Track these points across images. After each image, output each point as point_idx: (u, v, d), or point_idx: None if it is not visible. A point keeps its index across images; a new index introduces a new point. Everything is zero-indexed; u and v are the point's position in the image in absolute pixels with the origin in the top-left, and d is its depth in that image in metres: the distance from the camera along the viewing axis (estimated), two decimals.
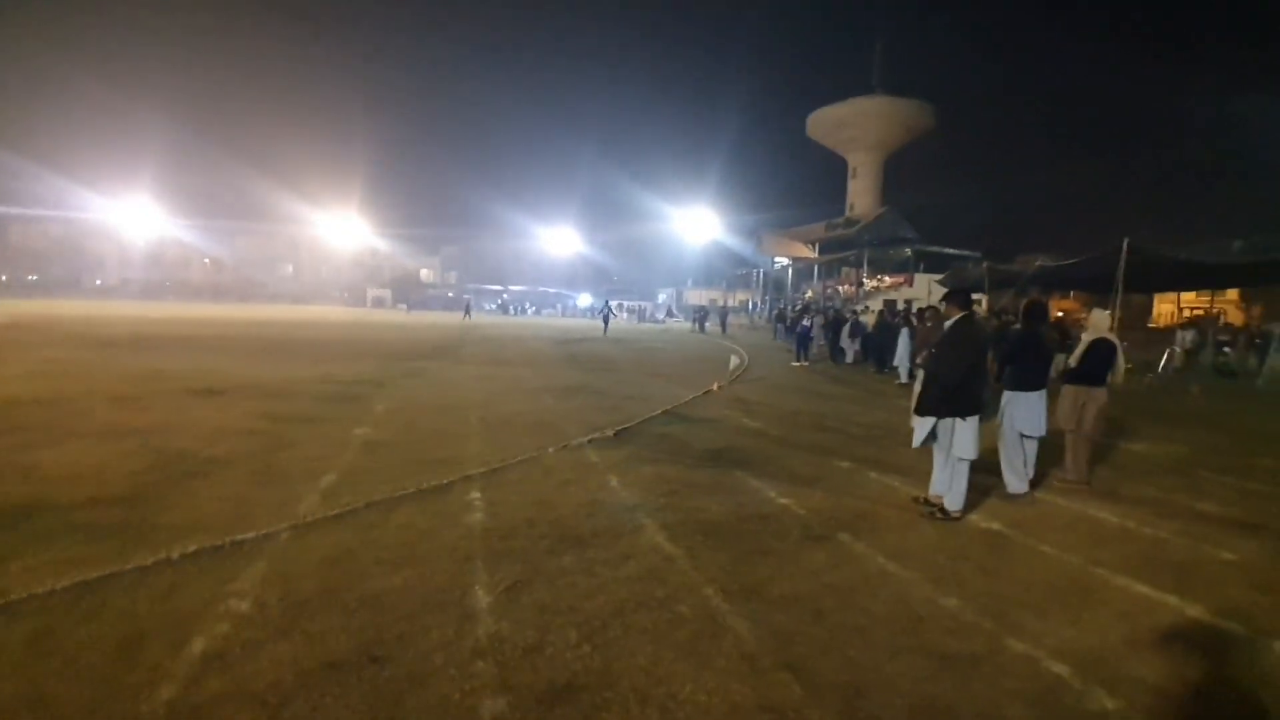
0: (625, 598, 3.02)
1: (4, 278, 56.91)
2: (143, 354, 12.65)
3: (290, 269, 77.32)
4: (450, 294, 68.31)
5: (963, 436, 4.35)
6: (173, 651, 2.42)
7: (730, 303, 51.27)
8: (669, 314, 53.34)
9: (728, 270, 60.46)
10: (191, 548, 3.34)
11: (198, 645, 2.47)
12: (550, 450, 5.88)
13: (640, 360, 16.18)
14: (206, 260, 75.20)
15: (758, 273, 57.96)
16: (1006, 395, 5.11)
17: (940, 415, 4.46)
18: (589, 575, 3.25)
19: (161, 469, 4.81)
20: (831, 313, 22.77)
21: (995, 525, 4.39)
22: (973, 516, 4.54)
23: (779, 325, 30.32)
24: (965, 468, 4.45)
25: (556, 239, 71.77)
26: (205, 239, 71.64)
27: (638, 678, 2.38)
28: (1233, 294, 34.55)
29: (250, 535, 3.55)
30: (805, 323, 18.41)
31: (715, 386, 10.91)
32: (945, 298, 4.94)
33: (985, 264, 22.21)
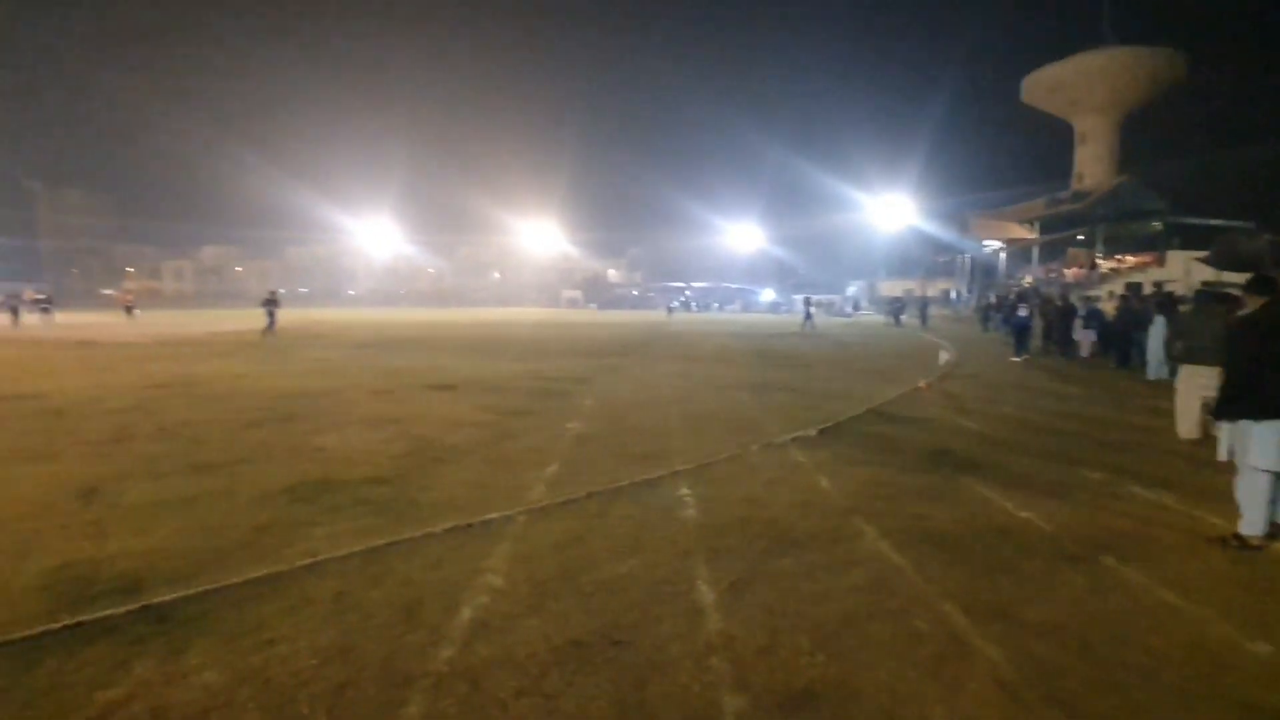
0: (854, 607, 2.87)
1: (284, 291, 70.70)
2: (388, 354, 14.83)
3: (497, 275, 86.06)
4: (636, 292, 71.18)
5: (1259, 442, 3.60)
6: (446, 617, 2.76)
7: (929, 292, 47.13)
8: (855, 307, 50.33)
9: (926, 258, 55.62)
10: (449, 524, 3.80)
11: (465, 613, 2.79)
12: (754, 448, 5.83)
13: (835, 356, 15.49)
14: (431, 270, 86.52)
15: (962, 259, 52.58)
16: None
17: (1233, 417, 3.78)
18: (811, 580, 3.14)
19: (415, 454, 5.56)
20: (1060, 300, 19.76)
21: None
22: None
23: (989, 316, 27.18)
24: (1265, 481, 3.63)
25: (740, 234, 71.57)
26: (431, 252, 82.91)
27: (882, 695, 2.24)
28: None
29: (494, 516, 3.96)
30: (1022, 312, 16.13)
31: (923, 384, 10.08)
32: (1248, 284, 4.05)
33: (1266, 236, 17.92)
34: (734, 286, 66.98)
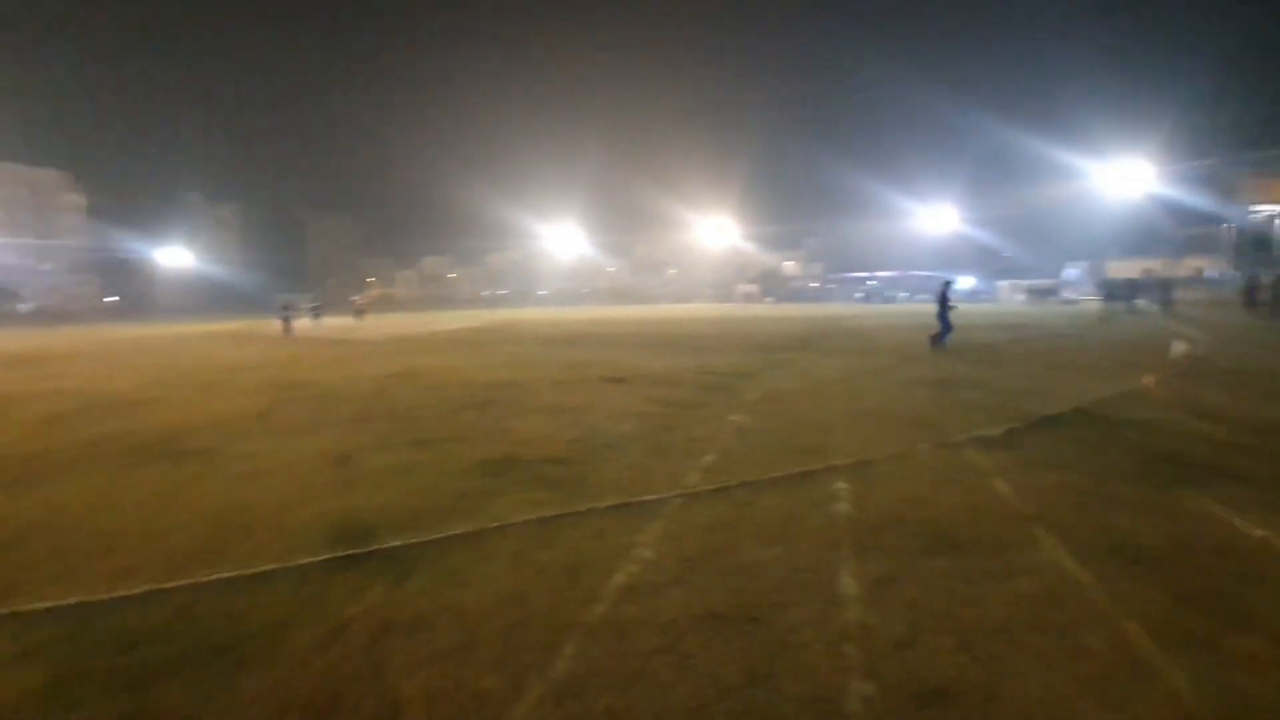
0: (1011, 615, 2.70)
1: (485, 293, 79.00)
2: (568, 349, 16.08)
3: (673, 271, 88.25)
4: (814, 285, 68.79)
5: None
6: (603, 580, 3.09)
7: (1177, 272, 39.63)
8: (1053, 291, 43.69)
9: (1174, 231, 46.81)
10: (612, 502, 4.17)
11: (619, 578, 3.10)
12: (924, 447, 5.53)
13: (1039, 350, 13.80)
14: (610, 269, 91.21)
15: (1227, 229, 43.45)
16: None
17: None
18: (967, 583, 3.00)
19: (587, 440, 6.08)
20: None
21: None
22: None
23: (1256, 298, 22.30)
24: None
25: (932, 216, 65.90)
26: (610, 252, 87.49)
27: (1028, 703, 2.13)
28: None
29: (651, 498, 4.26)
30: None
31: (1149, 381, 8.69)
32: None
33: None
34: (924, 274, 61.81)
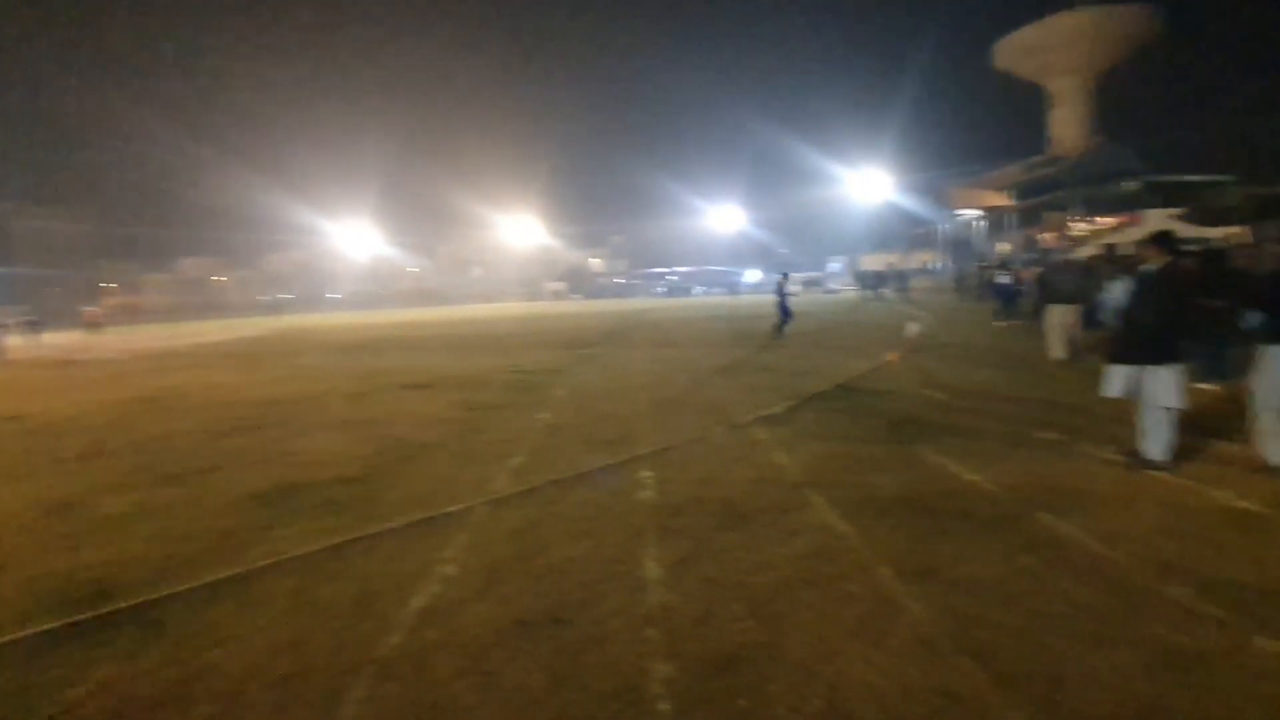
0: (791, 574, 2.99)
1: (265, 298, 69.89)
2: (366, 356, 14.83)
3: (479, 271, 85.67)
4: (620, 281, 71.12)
5: (1163, 385, 4.18)
6: (397, 606, 2.86)
7: (910, 265, 47.48)
8: (819, 283, 50.77)
9: (906, 231, 56.06)
10: (410, 520, 3.89)
11: (417, 601, 2.89)
12: (717, 429, 5.95)
13: (809, 334, 15.62)
14: (412, 270, 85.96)
15: (940, 230, 52.97)
16: (1269, 350, 4.20)
17: (1136, 362, 4.28)
18: (755, 551, 3.27)
19: (384, 453, 5.63)
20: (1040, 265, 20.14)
21: (1247, 504, 3.67)
22: (1217, 493, 3.84)
23: (967, 286, 27.57)
24: (1167, 417, 4.24)
25: (721, 216, 71.57)
26: (411, 252, 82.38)
27: (805, 653, 2.36)
28: None
29: (455, 509, 4.05)
30: (1004, 279, 16.60)
31: (892, 357, 10.24)
32: (1147, 241, 4.42)
33: (1241, 189, 18.20)
34: (717, 269, 67.05)
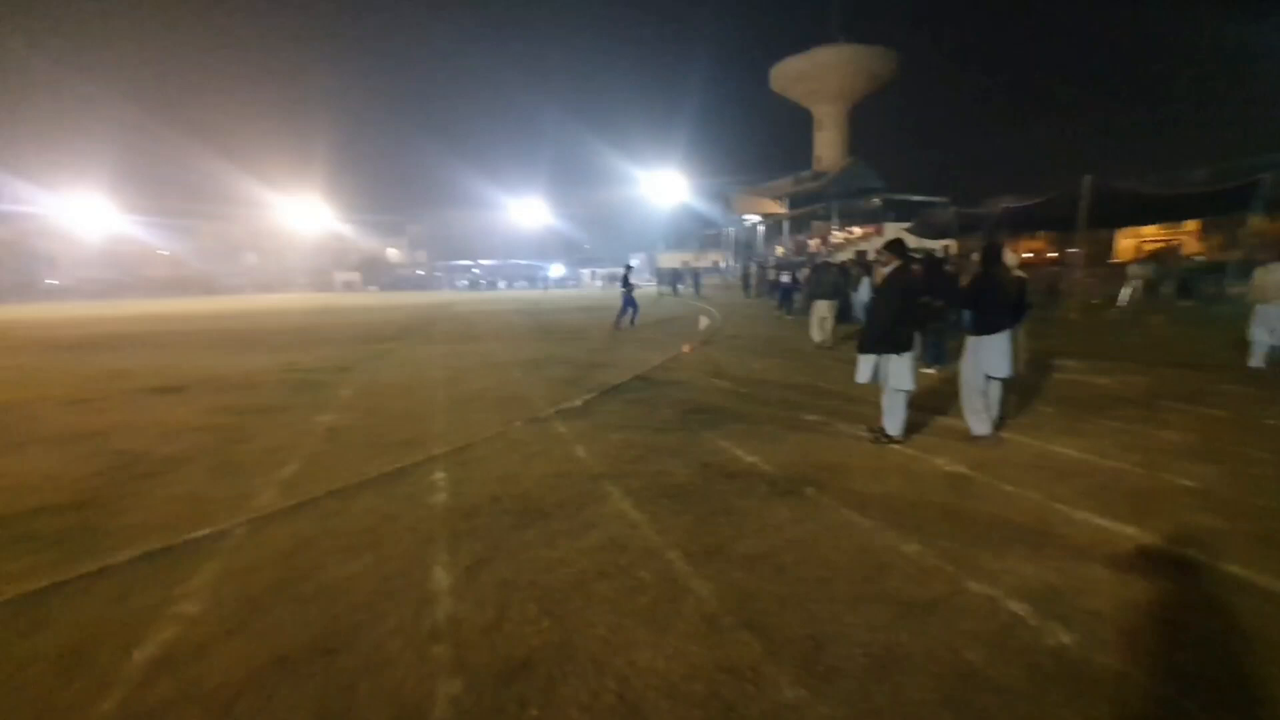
0: (587, 568, 3.00)
1: None
2: (103, 354, 12.24)
3: (253, 258, 75.26)
4: (421, 272, 67.15)
5: (898, 370, 4.89)
6: (121, 658, 2.35)
7: (702, 264, 51.12)
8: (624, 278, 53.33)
9: (698, 231, 60.24)
10: (143, 550, 3.25)
11: (147, 650, 2.40)
12: (517, 424, 5.82)
13: (610, 328, 16.07)
14: (165, 253, 72.83)
15: (728, 232, 57.77)
16: (971, 340, 5.15)
17: (878, 352, 4.94)
18: (551, 548, 3.23)
19: (115, 471, 4.66)
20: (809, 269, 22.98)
21: (960, 468, 4.44)
22: (937, 460, 4.60)
23: (751, 283, 30.44)
24: (902, 398, 5.01)
25: (525, 210, 70.63)
26: (163, 233, 69.44)
27: (596, 648, 2.37)
28: (1192, 226, 35.08)
29: (204, 533, 3.46)
30: (784, 278, 18.85)
31: (686, 349, 10.88)
32: (884, 248, 5.20)
33: (953, 209, 22.22)
34: (522, 263, 66.35)
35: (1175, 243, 33.19)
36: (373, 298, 42.20)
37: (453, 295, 42.69)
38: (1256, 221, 15.18)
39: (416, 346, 12.48)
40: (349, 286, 62.01)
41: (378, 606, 2.68)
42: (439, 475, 4.41)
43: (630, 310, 15.33)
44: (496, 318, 20.39)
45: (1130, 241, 34.19)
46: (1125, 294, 17.80)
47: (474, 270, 65.68)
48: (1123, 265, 25.30)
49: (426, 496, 4.00)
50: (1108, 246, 34.68)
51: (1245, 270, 16.73)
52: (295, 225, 71.10)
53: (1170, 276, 19.57)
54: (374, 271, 66.19)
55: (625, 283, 15.67)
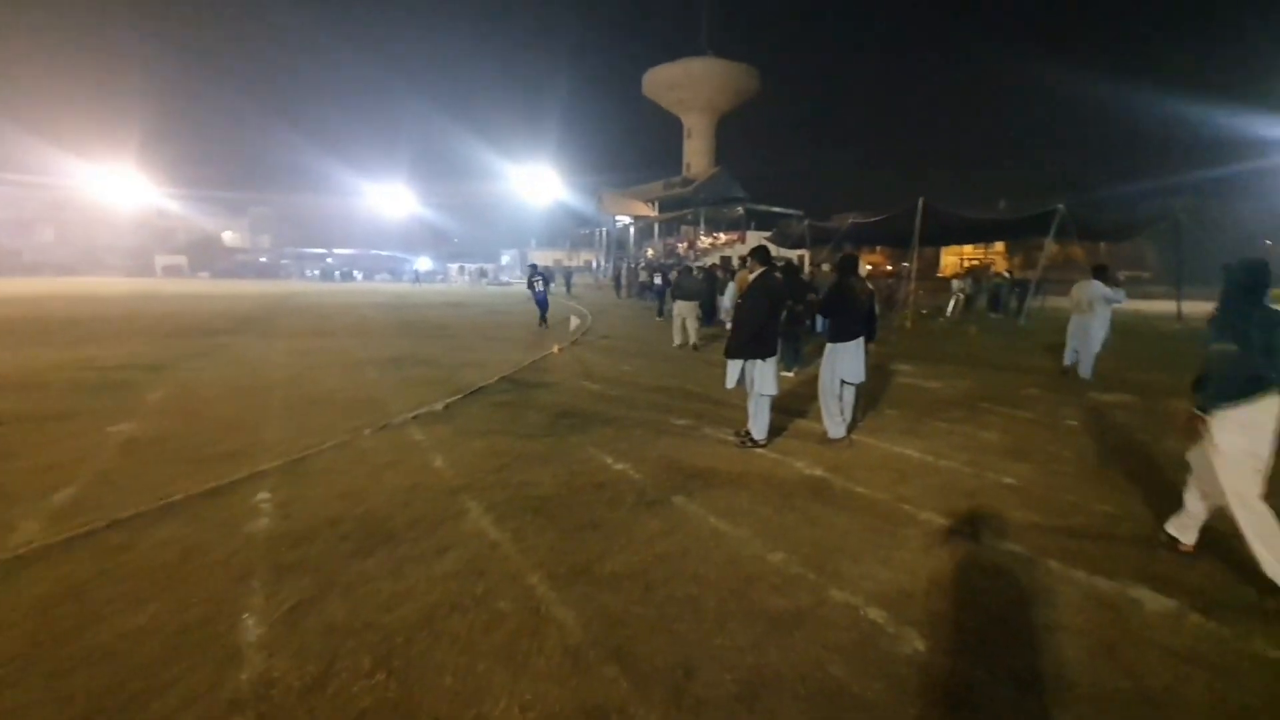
0: (437, 601, 2.67)
1: None
2: None
3: (51, 234, 64.19)
4: (264, 259, 60.86)
5: (763, 376, 4.97)
6: None
7: (575, 263, 50.84)
8: (489, 274, 52.20)
9: (571, 230, 59.87)
10: None
11: None
12: (367, 432, 5.26)
13: (479, 324, 15.40)
14: None
15: (601, 232, 57.93)
16: (828, 347, 5.35)
17: (745, 357, 4.99)
18: (396, 579, 2.85)
19: None
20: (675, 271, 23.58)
21: (818, 471, 4.57)
22: (798, 463, 4.71)
23: (624, 284, 30.70)
24: (766, 403, 5.11)
25: (389, 198, 66.28)
26: None
27: (441, 704, 2.06)
28: (1000, 246, 40.32)
29: None
30: (658, 280, 19.18)
31: (556, 349, 10.60)
32: (749, 255, 5.29)
33: (807, 221, 23.73)
34: (384, 254, 62.29)
35: (988, 260, 37.93)
36: (203, 285, 37.52)
37: (301, 286, 39.07)
38: (1050, 246, 17.61)
39: (254, 342, 11.13)
40: (172, 271, 54.78)
41: (165, 671, 2.18)
42: (263, 495, 3.82)
43: (544, 309, 14.85)
44: (353, 311, 18.83)
45: (953, 258, 38.58)
46: (950, 305, 19.93)
47: (328, 260, 60.64)
48: (947, 279, 28.43)
49: (246, 522, 3.43)
50: (934, 262, 38.93)
51: (1040, 288, 19.42)
52: (107, 200, 61.46)
53: (983, 291, 22.16)
54: (205, 255, 59.01)
55: (544, 279, 15.21)
